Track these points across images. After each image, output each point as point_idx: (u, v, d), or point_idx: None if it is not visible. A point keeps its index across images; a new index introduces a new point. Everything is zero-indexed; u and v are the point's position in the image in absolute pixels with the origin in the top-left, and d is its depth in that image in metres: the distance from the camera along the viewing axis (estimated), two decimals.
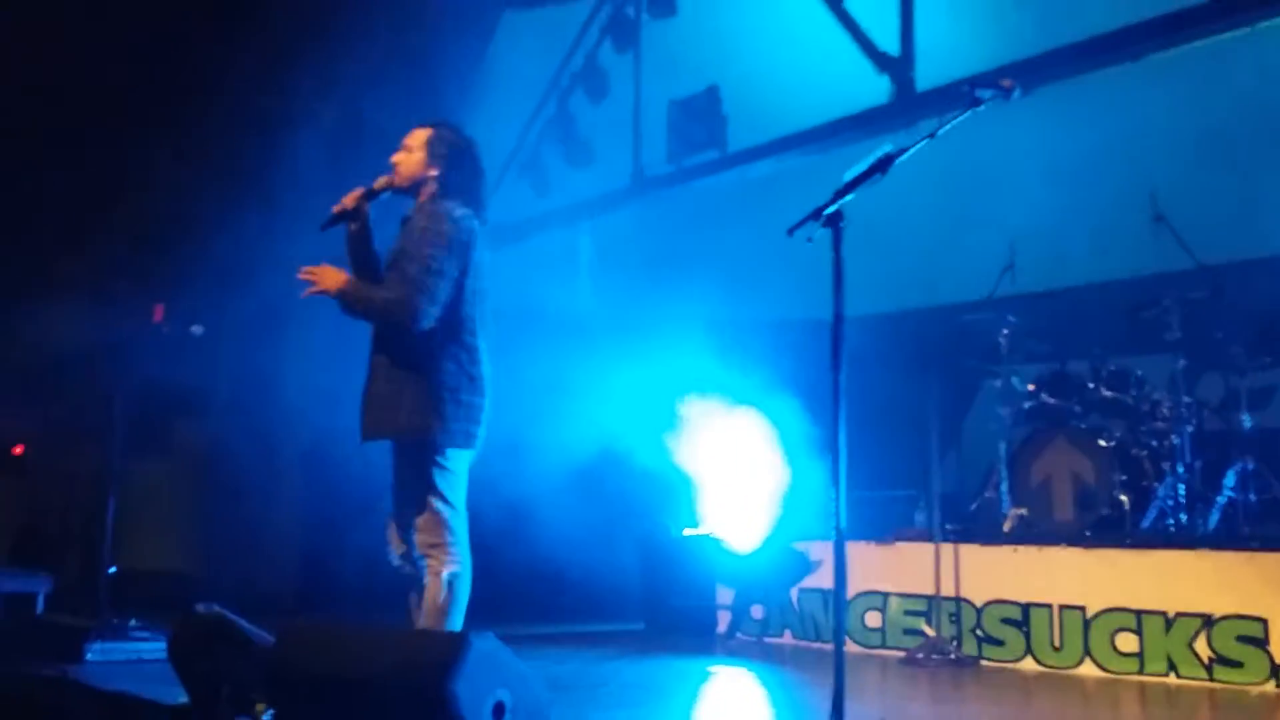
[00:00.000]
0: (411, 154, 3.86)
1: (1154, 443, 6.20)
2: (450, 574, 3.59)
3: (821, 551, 6.76)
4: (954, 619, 6.01)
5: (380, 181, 3.83)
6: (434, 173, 3.83)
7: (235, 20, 8.57)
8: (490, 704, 2.81)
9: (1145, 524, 5.99)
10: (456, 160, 3.87)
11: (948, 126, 3.20)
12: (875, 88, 6.71)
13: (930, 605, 6.10)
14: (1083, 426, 6.32)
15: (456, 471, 3.70)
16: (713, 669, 5.96)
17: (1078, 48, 5.93)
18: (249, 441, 9.08)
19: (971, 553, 6.08)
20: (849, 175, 3.05)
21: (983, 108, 3.23)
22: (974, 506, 6.77)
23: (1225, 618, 5.13)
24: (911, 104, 6.54)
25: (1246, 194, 6.65)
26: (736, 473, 7.40)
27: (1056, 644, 5.65)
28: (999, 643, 5.86)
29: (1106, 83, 6.25)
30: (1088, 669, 5.52)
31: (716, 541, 7.37)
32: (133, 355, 6.10)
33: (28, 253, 9.00)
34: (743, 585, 7.18)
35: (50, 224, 9.03)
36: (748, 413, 7.25)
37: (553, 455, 7.13)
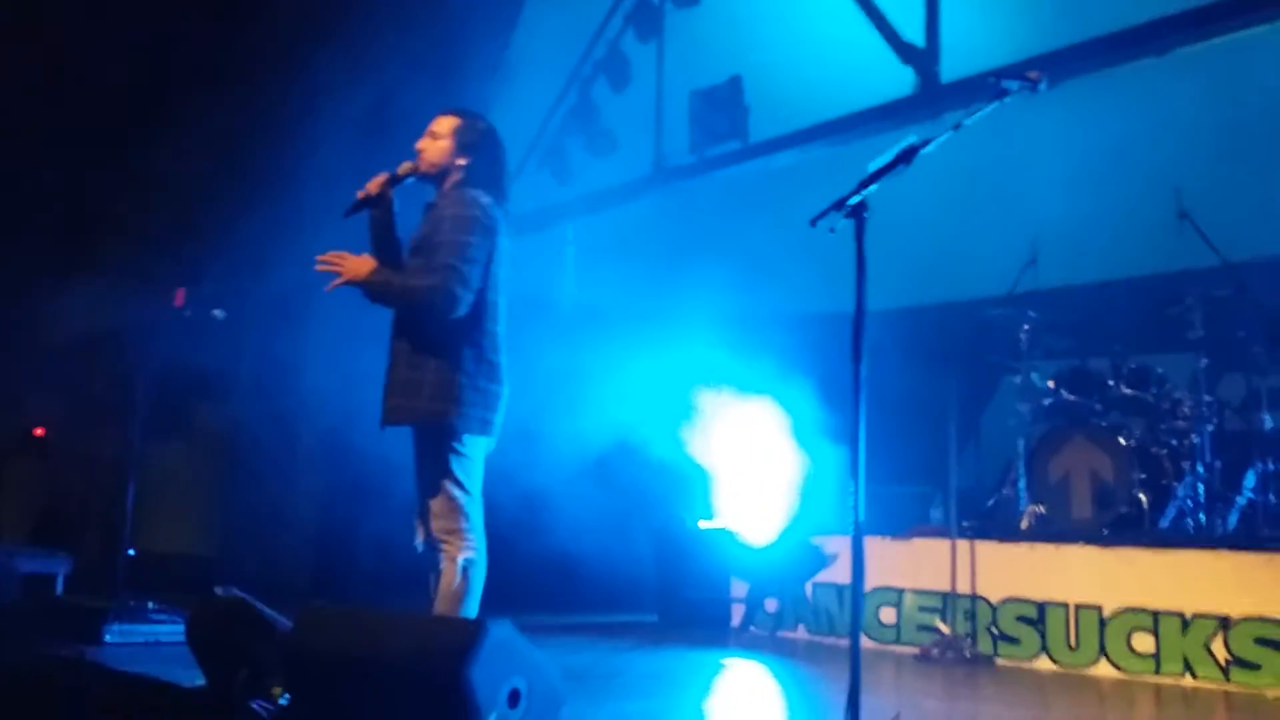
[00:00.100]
0: (438, 141, 3.85)
1: (1174, 442, 6.16)
2: (466, 560, 3.60)
3: (837, 546, 6.75)
4: (969, 616, 5.99)
5: (405, 167, 3.83)
6: (462, 162, 3.83)
7: (263, 7, 8.59)
8: (506, 691, 2.81)
9: (1164, 523, 5.96)
10: (483, 150, 3.87)
11: (974, 118, 3.17)
12: (899, 79, 6.66)
13: (945, 602, 6.08)
14: (1102, 424, 6.29)
15: (473, 458, 3.71)
16: (726, 661, 5.96)
17: (1103, 41, 5.87)
18: (269, 426, 9.12)
19: (988, 549, 6.06)
20: (873, 166, 3.03)
21: (1009, 99, 3.20)
22: (991, 503, 6.75)
23: (1243, 619, 5.10)
24: (935, 96, 6.49)
25: (1272, 192, 6.60)
26: (752, 466, 7.40)
27: (1072, 643, 5.62)
28: (1014, 641, 5.84)
29: (1131, 77, 6.19)
30: (1103, 669, 5.49)
31: (731, 534, 7.37)
32: (154, 339, 6.14)
33: (51, 237, 9.06)
34: (757, 578, 7.18)
35: (74, 209, 9.08)
36: (764, 405, 7.25)
37: (569, 446, 7.14)
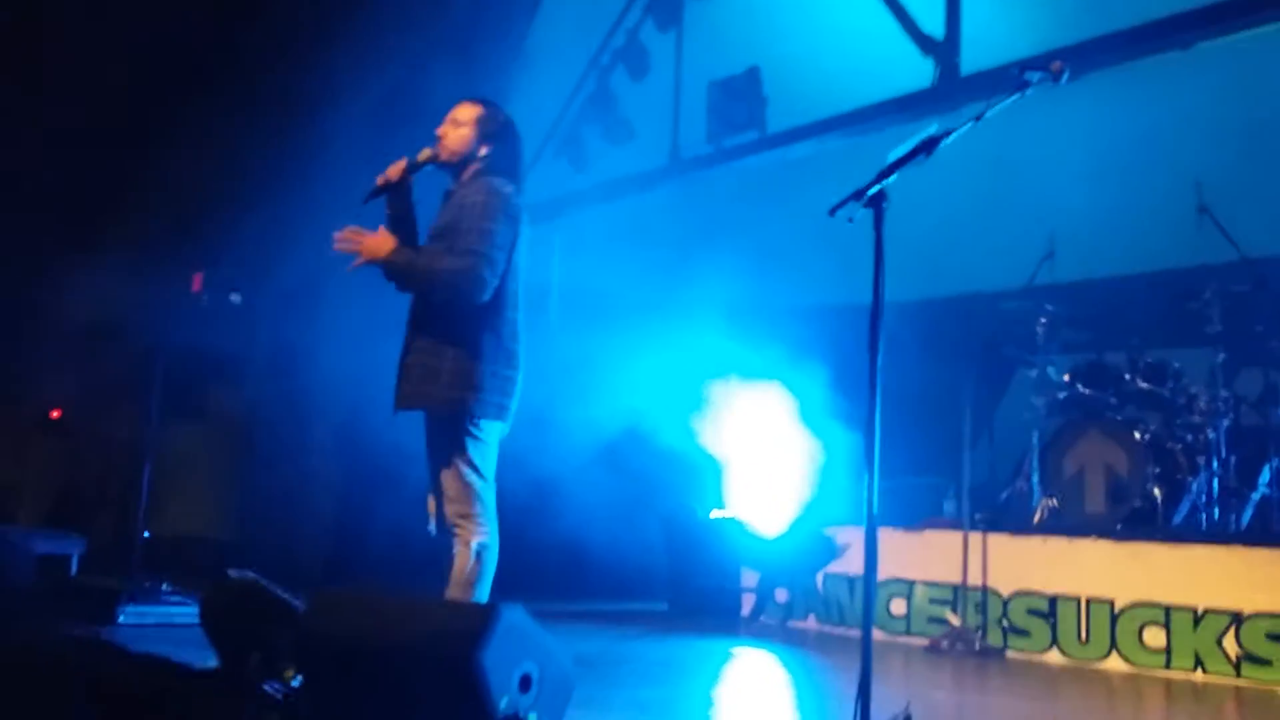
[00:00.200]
0: (460, 129, 3.85)
1: (1189, 436, 6.13)
2: (479, 544, 3.61)
3: (848, 537, 6.75)
4: (980, 609, 5.98)
5: (425, 154, 3.83)
6: (484, 151, 3.83)
7: None
8: (517, 676, 2.82)
9: (1177, 518, 5.94)
10: (504, 140, 3.88)
11: (995, 109, 3.16)
12: (918, 71, 6.64)
13: (956, 594, 6.08)
14: (1118, 418, 6.27)
15: (489, 443, 3.72)
16: (736, 650, 5.97)
17: (1127, 35, 5.84)
18: (284, 410, 9.16)
19: (1000, 542, 6.05)
20: (893, 156, 3.02)
21: (1030, 91, 3.19)
22: (1004, 496, 6.74)
23: (1255, 615, 5.09)
24: (955, 88, 6.47)
25: None
26: (764, 456, 7.40)
27: (1083, 637, 5.61)
28: (1025, 634, 5.84)
29: (1153, 71, 6.15)
30: (1114, 663, 5.49)
31: (743, 524, 7.38)
32: (171, 322, 6.17)
33: (69, 219, 9.10)
34: (768, 568, 7.19)
35: (92, 191, 9.11)
36: (777, 396, 7.25)
37: (583, 433, 7.16)
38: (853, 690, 2.88)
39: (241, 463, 10.12)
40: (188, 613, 5.19)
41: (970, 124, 3.12)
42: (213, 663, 3.57)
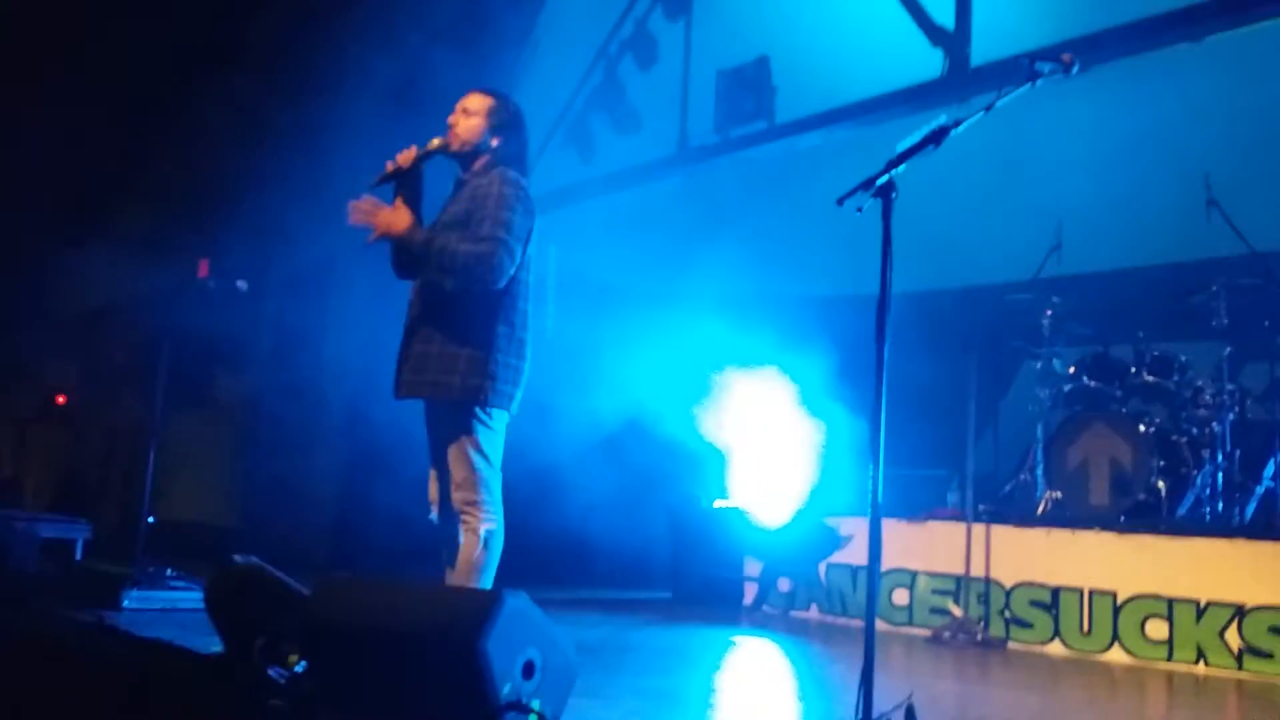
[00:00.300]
0: (471, 118, 3.85)
1: (1194, 430, 6.13)
2: (486, 532, 3.63)
3: (851, 527, 6.75)
4: (982, 600, 5.99)
5: (435, 143, 3.82)
6: (496, 142, 3.84)
7: None
8: (521, 662, 2.82)
9: (1181, 511, 5.93)
10: (514, 130, 3.89)
11: (1005, 99, 3.14)
12: (928, 62, 6.62)
13: (959, 585, 6.08)
14: (1123, 411, 6.26)
15: (499, 431, 3.74)
16: (739, 639, 5.98)
17: (1136, 27, 5.82)
18: (288, 397, 9.18)
19: (1003, 534, 6.05)
20: (902, 146, 3.01)
21: (1040, 82, 3.17)
22: (1008, 488, 6.73)
23: (1258, 608, 5.08)
24: (965, 79, 6.45)
25: None
26: (768, 446, 7.40)
27: (1085, 628, 5.62)
28: (1027, 625, 5.84)
29: (1163, 63, 6.13)
30: (1116, 655, 5.49)
31: (746, 514, 7.39)
32: (177, 309, 6.17)
33: (76, 206, 9.11)
34: (771, 558, 7.20)
35: (99, 178, 9.12)
36: (781, 386, 7.24)
37: (587, 423, 7.16)
38: (855, 680, 2.88)
39: (246, 449, 10.14)
40: (192, 598, 5.21)
41: (980, 114, 3.11)
42: (217, 648, 3.58)
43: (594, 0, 8.81)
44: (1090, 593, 5.63)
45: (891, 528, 6.40)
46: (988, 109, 3.12)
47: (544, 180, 8.05)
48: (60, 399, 11.83)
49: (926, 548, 6.32)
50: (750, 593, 7.25)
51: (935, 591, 6.24)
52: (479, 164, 3.84)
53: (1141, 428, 6.05)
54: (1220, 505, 5.92)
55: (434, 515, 3.84)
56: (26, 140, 8.10)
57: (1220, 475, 5.95)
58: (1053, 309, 6.61)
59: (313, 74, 8.48)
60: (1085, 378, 6.48)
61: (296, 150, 8.16)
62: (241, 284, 5.94)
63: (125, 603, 5.39)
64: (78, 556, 6.96)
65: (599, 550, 7.77)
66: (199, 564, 5.69)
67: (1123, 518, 5.91)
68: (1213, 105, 6.59)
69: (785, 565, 7.08)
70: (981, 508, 6.25)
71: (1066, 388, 6.54)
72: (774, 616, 6.96)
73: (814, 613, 6.85)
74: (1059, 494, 6.25)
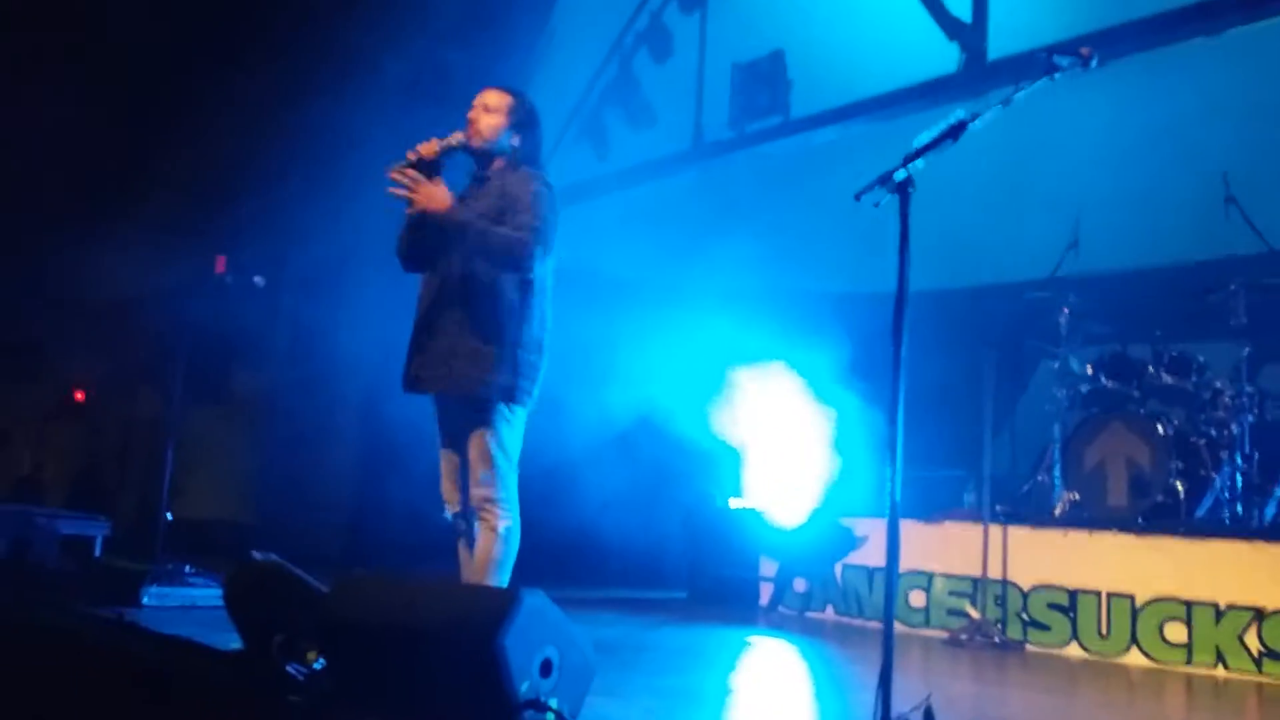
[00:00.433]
0: (491, 115, 3.87)
1: (1213, 431, 6.08)
2: (505, 529, 3.64)
3: (867, 528, 6.72)
4: (999, 602, 5.96)
5: (455, 137, 3.84)
6: (516, 140, 3.87)
7: None
8: (538, 660, 2.83)
9: (1200, 513, 5.89)
10: (532, 128, 3.92)
11: (1023, 93, 3.12)
12: (944, 56, 6.59)
13: (976, 587, 6.05)
14: (1141, 411, 6.22)
15: (519, 428, 3.76)
16: (754, 640, 5.97)
17: (1155, 20, 5.79)
18: (305, 393, 9.20)
19: (1020, 535, 6.02)
20: (920, 141, 2.99)
21: (1057, 77, 3.15)
22: (1025, 489, 6.69)
23: (1277, 611, 5.04)
24: (982, 73, 6.42)
25: None
26: (784, 446, 7.38)
27: (1103, 631, 5.59)
28: (1044, 627, 5.81)
29: (1180, 58, 6.09)
30: (1134, 658, 5.46)
31: (761, 514, 7.37)
32: (194, 305, 6.19)
33: (93, 201, 9.14)
34: (787, 558, 7.18)
35: (116, 173, 9.15)
36: (796, 385, 7.22)
37: (602, 421, 7.15)
38: (872, 681, 2.87)
39: (262, 445, 10.17)
40: (211, 595, 5.23)
41: (998, 108, 3.09)
42: (236, 645, 3.59)
43: None
44: (1108, 595, 5.60)
45: (907, 529, 6.37)
46: (1005, 103, 3.10)
47: (559, 176, 7.99)
48: (78, 395, 11.89)
49: (943, 549, 6.29)
50: (766, 593, 7.24)
51: (952, 593, 6.21)
52: (499, 161, 3.85)
53: (1160, 428, 6.01)
54: (1239, 507, 5.88)
55: (448, 513, 3.84)
56: (42, 135, 8.14)
57: (1239, 477, 5.91)
58: (1070, 308, 6.56)
59: (328, 70, 8.49)
60: (1103, 378, 6.44)
61: (314, 146, 8.18)
62: (258, 279, 5.95)
63: (145, 599, 5.42)
64: (97, 553, 6.99)
65: (613, 549, 7.76)
66: (216, 560, 5.72)
67: (1141, 519, 5.88)
68: (1231, 101, 6.54)
69: (801, 566, 7.06)
70: (998, 509, 6.22)
71: (1084, 388, 6.50)
72: (790, 617, 6.94)
73: (830, 614, 6.83)
74: (1076, 495, 6.22)
